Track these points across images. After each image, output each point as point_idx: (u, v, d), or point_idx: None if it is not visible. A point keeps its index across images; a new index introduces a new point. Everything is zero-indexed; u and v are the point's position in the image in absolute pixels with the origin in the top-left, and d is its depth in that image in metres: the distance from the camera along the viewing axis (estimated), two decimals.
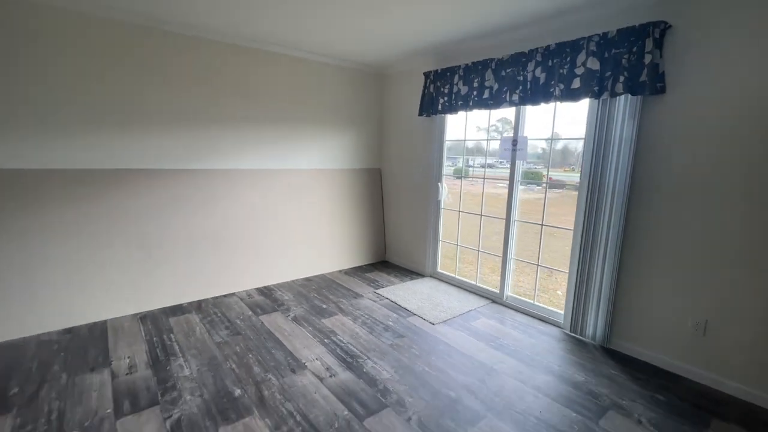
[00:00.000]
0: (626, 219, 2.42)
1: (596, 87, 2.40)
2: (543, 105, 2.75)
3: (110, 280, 2.77)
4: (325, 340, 2.54)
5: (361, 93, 4.10)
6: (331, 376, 2.14)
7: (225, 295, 3.27)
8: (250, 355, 2.33)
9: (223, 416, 1.80)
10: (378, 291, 3.48)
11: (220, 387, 2.01)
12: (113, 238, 2.76)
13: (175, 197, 3.01)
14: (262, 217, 3.48)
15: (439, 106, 3.47)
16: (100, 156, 2.70)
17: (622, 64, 2.27)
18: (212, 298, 3.21)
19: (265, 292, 3.39)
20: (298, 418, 1.80)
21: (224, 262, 3.29)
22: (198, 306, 3.04)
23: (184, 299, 3.10)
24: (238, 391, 1.98)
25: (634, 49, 2.23)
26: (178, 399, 1.91)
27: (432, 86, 3.54)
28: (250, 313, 2.94)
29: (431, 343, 2.55)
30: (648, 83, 2.19)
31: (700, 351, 2.20)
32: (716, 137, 2.07)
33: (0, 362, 2.18)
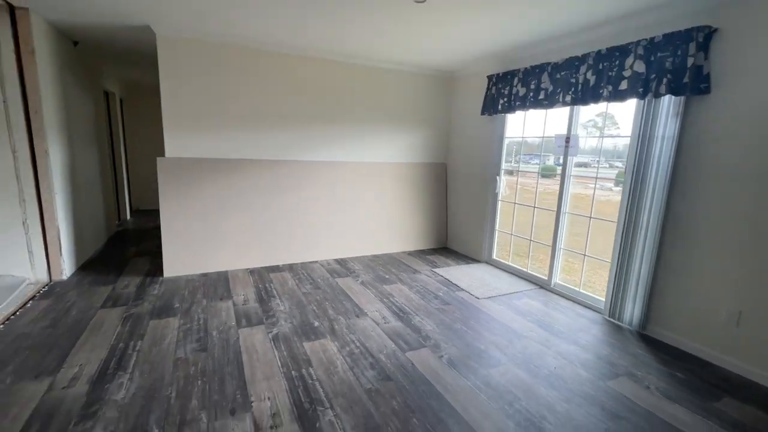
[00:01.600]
0: (666, 212, 2.57)
1: (641, 88, 2.57)
2: (592, 105, 2.96)
3: (232, 242, 3.72)
4: (384, 300, 3.14)
5: (431, 95, 4.59)
6: (385, 323, 2.72)
7: (310, 262, 4.07)
8: (327, 303, 3.03)
9: (306, 336, 2.50)
10: (435, 270, 3.97)
11: (304, 319, 2.73)
12: (234, 211, 3.70)
13: (273, 183, 3.86)
14: (340, 202, 4.21)
15: (500, 106, 3.81)
16: (228, 148, 3.65)
17: (666, 66, 2.43)
18: (300, 262, 4.03)
19: (341, 262, 4.11)
20: (358, 344, 2.42)
21: (310, 236, 4.09)
22: (290, 267, 3.88)
23: (280, 261, 3.97)
24: (316, 323, 2.68)
25: (679, 52, 2.38)
26: (276, 322, 2.67)
27: (494, 88, 3.89)
28: (328, 275, 3.68)
29: (472, 312, 2.99)
30: (690, 84, 2.33)
31: (732, 340, 2.29)
32: (760, 136, 2.15)
33: (167, 289, 3.20)
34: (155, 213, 6.49)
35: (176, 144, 3.45)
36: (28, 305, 2.81)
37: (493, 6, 2.52)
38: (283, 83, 3.77)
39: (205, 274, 3.58)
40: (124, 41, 3.67)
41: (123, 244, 4.52)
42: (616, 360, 2.36)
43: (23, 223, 3.12)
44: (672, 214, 2.55)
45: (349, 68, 4.05)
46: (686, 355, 2.44)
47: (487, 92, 3.98)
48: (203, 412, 1.76)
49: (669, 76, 2.41)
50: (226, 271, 3.69)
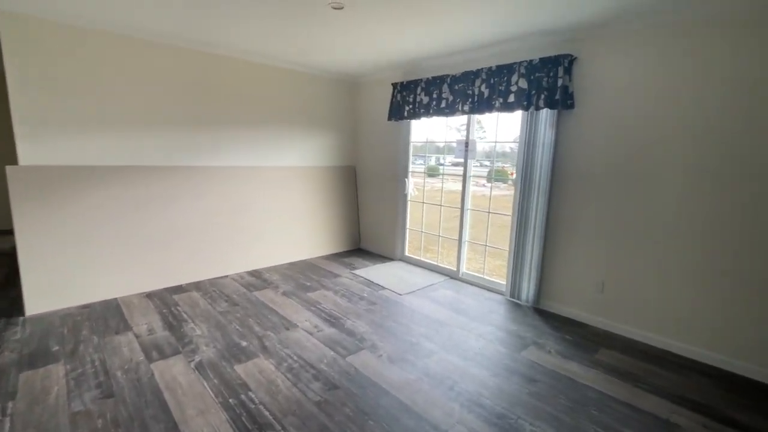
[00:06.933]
0: (548, 206, 3.11)
1: (525, 102, 3.06)
2: (487, 114, 3.39)
3: (119, 264, 3.16)
4: (312, 308, 3.07)
5: (338, 98, 4.62)
6: (318, 331, 2.68)
7: (219, 277, 3.72)
8: (250, 319, 2.83)
9: (235, 359, 2.30)
10: (354, 272, 4.03)
11: (228, 341, 2.51)
12: (119, 227, 3.15)
13: (170, 191, 3.42)
14: (248, 209, 3.94)
15: (405, 113, 4.06)
16: (107, 153, 3.09)
17: (543, 85, 2.93)
18: (208, 279, 3.65)
19: (255, 274, 3.86)
20: (295, 358, 2.33)
21: (216, 249, 3.73)
22: (196, 286, 3.48)
23: (184, 280, 3.53)
24: (244, 343, 2.49)
25: (551, 73, 2.90)
26: (196, 349, 2.39)
27: (399, 95, 4.12)
28: (244, 290, 3.42)
29: (398, 308, 3.14)
30: (560, 101, 2.86)
31: (599, 304, 2.91)
32: (610, 141, 2.77)
33: (35, 330, 2.57)
34: None
35: (33, 148, 2.78)
36: None
37: (405, 16, 2.69)
38: (172, 78, 3.35)
39: (86, 306, 2.97)
40: None
41: None
42: (523, 333, 2.77)
43: None
44: (553, 207, 3.10)
45: (247, 66, 3.81)
46: (568, 320, 3.01)
47: (392, 99, 4.19)
48: None
49: (545, 93, 2.92)
50: (116, 299, 3.12)
